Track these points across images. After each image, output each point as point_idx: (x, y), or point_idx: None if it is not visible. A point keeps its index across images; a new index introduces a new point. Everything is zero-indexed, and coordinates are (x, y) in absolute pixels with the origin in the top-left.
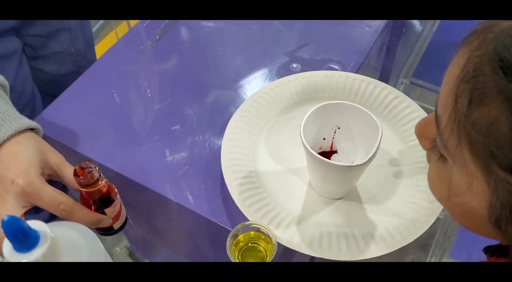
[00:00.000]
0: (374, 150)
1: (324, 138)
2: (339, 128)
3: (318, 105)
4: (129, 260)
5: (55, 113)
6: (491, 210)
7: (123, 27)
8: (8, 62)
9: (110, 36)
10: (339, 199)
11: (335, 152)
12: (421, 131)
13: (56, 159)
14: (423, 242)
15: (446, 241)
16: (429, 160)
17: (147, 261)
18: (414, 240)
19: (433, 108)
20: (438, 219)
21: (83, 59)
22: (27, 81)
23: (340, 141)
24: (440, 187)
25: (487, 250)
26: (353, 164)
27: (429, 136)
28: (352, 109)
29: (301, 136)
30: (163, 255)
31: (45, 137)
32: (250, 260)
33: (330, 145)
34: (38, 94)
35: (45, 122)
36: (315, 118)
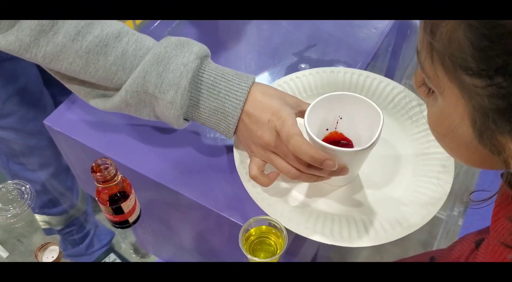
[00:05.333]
0: (376, 135)
1: (327, 129)
2: (341, 118)
3: (321, 97)
4: (134, 256)
5: (69, 110)
6: (471, 122)
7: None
8: (23, 61)
9: None
10: (342, 186)
11: (339, 142)
12: (416, 80)
13: (294, 99)
14: (425, 241)
15: (447, 241)
16: (427, 106)
17: (154, 256)
18: (416, 239)
19: None
20: (440, 219)
21: None
22: (38, 79)
23: (343, 131)
24: (436, 124)
25: (503, 176)
26: (356, 149)
27: (421, 81)
28: (353, 99)
29: (305, 125)
30: (171, 250)
31: (58, 134)
32: (261, 254)
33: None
34: (46, 91)
35: (59, 119)
36: (318, 110)
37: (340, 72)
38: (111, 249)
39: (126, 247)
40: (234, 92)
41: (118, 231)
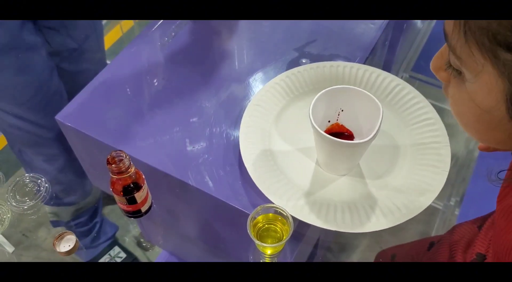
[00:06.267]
0: (376, 128)
1: (329, 121)
2: (342, 111)
3: (324, 91)
4: (137, 249)
5: (79, 106)
6: (507, 100)
7: (128, 21)
8: (36, 53)
9: (115, 30)
10: (344, 175)
11: (342, 133)
12: (436, 64)
13: None
14: (423, 231)
15: (444, 230)
16: (446, 93)
17: (157, 248)
18: (414, 229)
19: (432, 102)
20: (437, 209)
21: (95, 57)
22: (54, 71)
23: (344, 122)
24: (468, 109)
25: None
26: (357, 141)
27: (443, 66)
28: (354, 92)
29: (310, 117)
30: (176, 240)
31: (69, 129)
32: (268, 240)
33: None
34: (62, 84)
35: (70, 114)
36: (321, 102)
37: (340, 67)
38: (115, 242)
39: (130, 240)
40: None
41: (121, 225)
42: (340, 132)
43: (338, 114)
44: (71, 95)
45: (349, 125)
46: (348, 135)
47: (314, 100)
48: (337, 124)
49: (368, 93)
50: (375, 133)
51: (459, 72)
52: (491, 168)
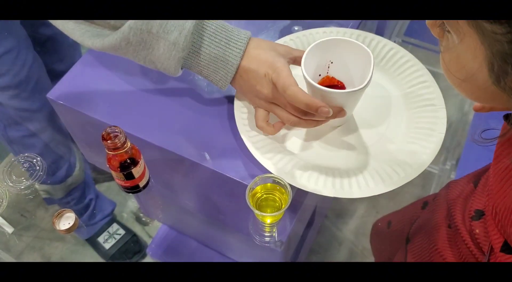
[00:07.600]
0: (369, 77)
1: (319, 75)
2: (332, 63)
3: (312, 45)
4: (136, 224)
5: (71, 83)
6: (489, 67)
7: None
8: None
9: None
10: (338, 126)
11: (334, 85)
12: (430, 20)
13: (284, 47)
14: (419, 195)
15: None
16: (441, 46)
17: (157, 223)
18: (410, 194)
19: (426, 66)
20: (432, 173)
21: None
22: (27, 42)
23: (335, 74)
24: (455, 69)
25: (506, 117)
26: (352, 90)
27: (437, 22)
28: (343, 43)
29: (303, 73)
30: (175, 214)
31: (62, 107)
32: (267, 209)
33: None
34: (37, 56)
35: (62, 92)
36: (311, 57)
37: (333, 33)
38: (113, 219)
39: (128, 216)
40: (234, 42)
41: (119, 201)
42: (331, 85)
43: (328, 67)
44: (56, 67)
45: (339, 77)
46: (340, 87)
47: (305, 53)
48: (327, 77)
49: (358, 42)
50: (367, 82)
51: (449, 31)
52: (475, 128)
